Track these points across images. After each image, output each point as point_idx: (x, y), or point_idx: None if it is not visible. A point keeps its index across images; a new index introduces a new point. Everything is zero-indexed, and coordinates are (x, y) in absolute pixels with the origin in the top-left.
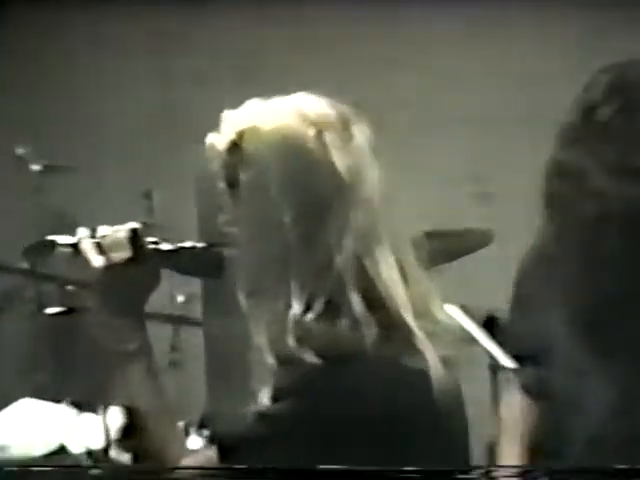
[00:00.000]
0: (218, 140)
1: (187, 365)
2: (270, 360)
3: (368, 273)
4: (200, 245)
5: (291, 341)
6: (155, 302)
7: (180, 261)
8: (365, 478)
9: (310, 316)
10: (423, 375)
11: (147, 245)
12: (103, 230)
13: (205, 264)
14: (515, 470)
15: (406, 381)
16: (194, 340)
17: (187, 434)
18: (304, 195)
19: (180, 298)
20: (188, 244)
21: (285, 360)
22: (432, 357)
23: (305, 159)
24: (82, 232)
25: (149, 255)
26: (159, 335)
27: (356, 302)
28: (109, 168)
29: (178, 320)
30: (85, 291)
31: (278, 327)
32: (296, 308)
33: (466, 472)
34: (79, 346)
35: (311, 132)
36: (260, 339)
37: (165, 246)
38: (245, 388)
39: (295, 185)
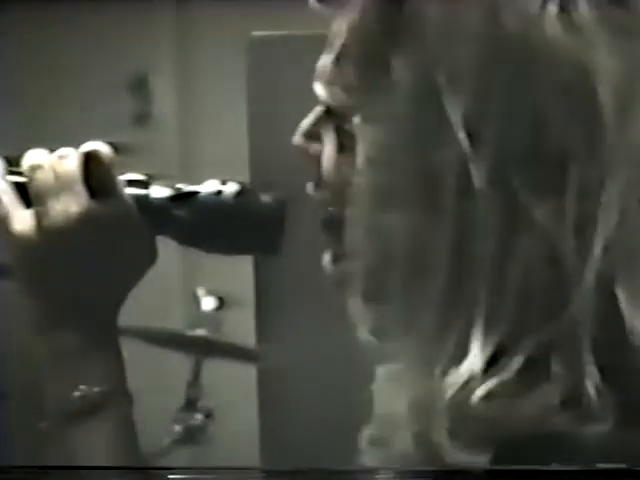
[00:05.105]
0: None
1: (218, 434)
2: (402, 441)
3: (619, 314)
4: (233, 187)
5: (445, 422)
6: (160, 308)
7: (196, 223)
8: None
9: (492, 382)
10: None
11: (122, 186)
12: (32, 157)
13: (248, 227)
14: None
15: None
16: (233, 384)
17: None
18: (519, 123)
19: (208, 302)
20: (209, 186)
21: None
22: None
23: (533, 49)
24: None
25: (127, 205)
26: (165, 372)
27: (589, 367)
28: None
29: (203, 344)
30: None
31: (425, 390)
32: (474, 361)
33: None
34: None
35: (552, 6)
36: (387, 409)
37: (160, 190)
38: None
39: (505, 99)
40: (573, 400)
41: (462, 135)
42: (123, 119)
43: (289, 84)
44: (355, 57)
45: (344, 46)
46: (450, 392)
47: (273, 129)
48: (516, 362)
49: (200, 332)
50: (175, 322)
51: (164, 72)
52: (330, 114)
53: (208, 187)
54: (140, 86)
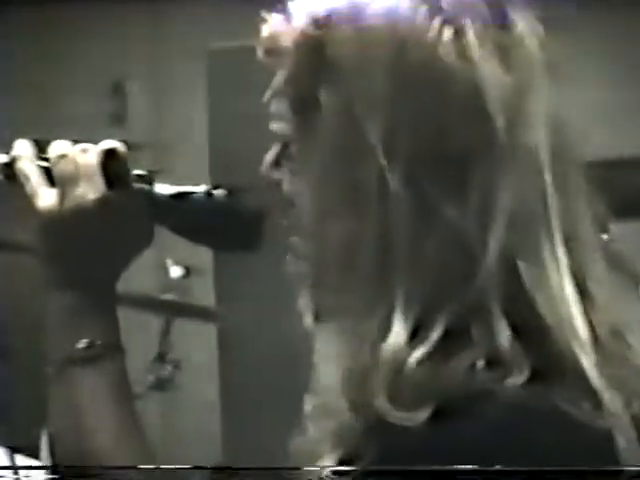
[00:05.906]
0: (279, 28)
1: (184, 382)
2: (341, 410)
3: (522, 284)
4: (220, 191)
5: (382, 389)
6: (135, 276)
7: (187, 217)
8: None
9: (419, 352)
10: (604, 439)
11: (133, 179)
12: (59, 147)
13: (230, 227)
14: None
15: (580, 446)
16: (197, 340)
17: None
18: (425, 138)
19: (176, 271)
20: (201, 188)
21: (368, 415)
22: (619, 416)
23: (433, 76)
24: (21, 147)
25: (135, 197)
26: (140, 329)
27: (502, 330)
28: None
29: (172, 307)
30: (23, 251)
31: (360, 365)
32: (397, 335)
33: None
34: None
35: (447, 31)
36: (327, 380)
37: (162, 187)
38: (290, 426)
39: (412, 119)
40: (492, 360)
41: (379, 151)
42: (103, 118)
43: (245, 90)
44: (289, 97)
45: (280, 87)
46: (381, 362)
47: (232, 129)
48: (436, 333)
49: (169, 296)
50: (148, 287)
51: (139, 79)
52: (286, 145)
53: (201, 189)
54: (117, 90)
